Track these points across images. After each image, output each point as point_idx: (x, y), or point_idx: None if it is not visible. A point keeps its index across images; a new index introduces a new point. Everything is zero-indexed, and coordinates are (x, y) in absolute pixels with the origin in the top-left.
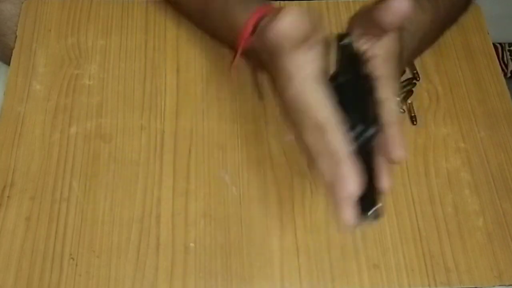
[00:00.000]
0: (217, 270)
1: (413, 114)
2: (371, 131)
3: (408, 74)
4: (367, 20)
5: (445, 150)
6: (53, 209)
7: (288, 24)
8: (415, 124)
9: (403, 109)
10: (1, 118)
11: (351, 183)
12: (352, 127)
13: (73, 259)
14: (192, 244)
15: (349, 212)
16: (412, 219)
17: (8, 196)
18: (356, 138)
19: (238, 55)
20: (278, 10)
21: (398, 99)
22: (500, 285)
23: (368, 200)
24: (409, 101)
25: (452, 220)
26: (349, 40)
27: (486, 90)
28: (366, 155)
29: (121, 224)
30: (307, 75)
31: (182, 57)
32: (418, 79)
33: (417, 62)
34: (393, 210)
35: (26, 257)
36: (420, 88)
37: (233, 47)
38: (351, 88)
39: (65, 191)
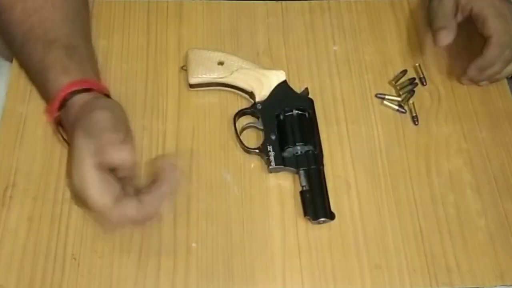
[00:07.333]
0: (219, 270)
1: (414, 114)
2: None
3: (409, 74)
4: None
5: (447, 150)
6: (55, 209)
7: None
8: (416, 124)
9: (405, 109)
10: (3, 119)
11: None
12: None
13: (75, 259)
14: (194, 244)
15: None
16: (413, 220)
17: (10, 197)
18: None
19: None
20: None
21: (400, 99)
22: (501, 285)
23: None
24: (411, 101)
25: (454, 221)
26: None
27: (488, 91)
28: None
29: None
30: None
31: (184, 58)
32: (425, 83)
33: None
34: (394, 210)
35: (28, 257)
36: (422, 88)
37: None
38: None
39: (67, 192)
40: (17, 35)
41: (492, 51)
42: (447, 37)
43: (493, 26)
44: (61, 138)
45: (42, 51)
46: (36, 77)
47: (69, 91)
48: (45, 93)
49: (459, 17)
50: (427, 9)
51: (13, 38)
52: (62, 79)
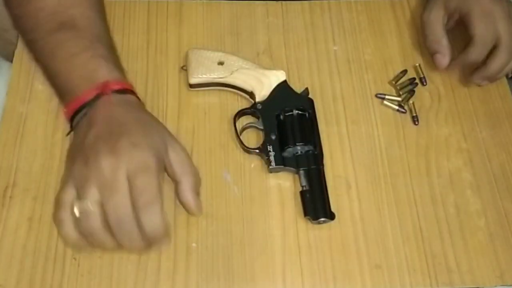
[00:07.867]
0: (219, 270)
1: (415, 114)
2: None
3: (409, 74)
4: None
5: (447, 150)
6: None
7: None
8: (417, 124)
9: (405, 109)
10: (4, 118)
11: None
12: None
13: (75, 259)
14: (194, 244)
15: None
16: (414, 219)
17: (10, 196)
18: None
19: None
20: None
21: (400, 99)
22: (501, 285)
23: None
24: (411, 101)
25: (454, 220)
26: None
27: (488, 90)
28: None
29: None
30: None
31: (184, 58)
32: (425, 83)
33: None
34: (395, 210)
35: (28, 257)
36: (422, 88)
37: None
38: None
39: None
40: (47, 22)
41: (474, 49)
42: (442, 61)
43: (476, 26)
44: (69, 123)
45: (89, 41)
46: (73, 61)
47: (128, 87)
48: (83, 76)
49: (451, 23)
50: (420, 17)
51: (40, 25)
52: (116, 74)
